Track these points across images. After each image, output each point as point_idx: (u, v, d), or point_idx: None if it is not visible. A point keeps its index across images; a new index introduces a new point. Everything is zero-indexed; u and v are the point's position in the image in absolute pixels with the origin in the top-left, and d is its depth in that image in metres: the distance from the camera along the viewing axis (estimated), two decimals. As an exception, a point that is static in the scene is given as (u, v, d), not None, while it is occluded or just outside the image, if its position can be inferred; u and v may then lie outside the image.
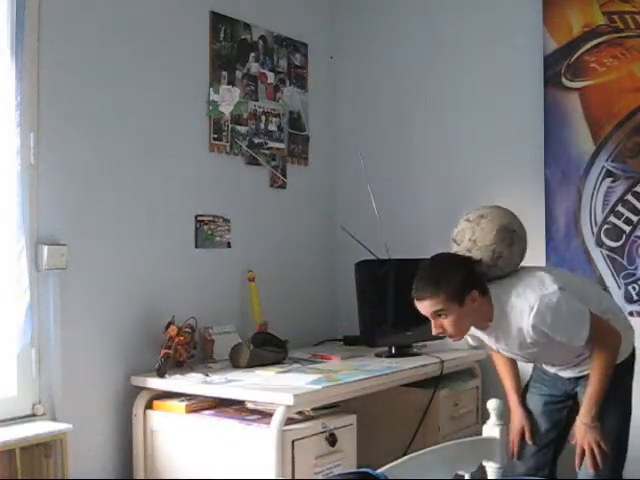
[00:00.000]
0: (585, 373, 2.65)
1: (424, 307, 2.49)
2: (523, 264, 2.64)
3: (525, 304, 2.46)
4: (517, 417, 2.81)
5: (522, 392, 2.85)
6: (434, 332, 2.53)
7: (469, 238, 2.57)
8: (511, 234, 2.56)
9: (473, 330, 2.62)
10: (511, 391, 2.84)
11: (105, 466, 2.98)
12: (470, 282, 2.49)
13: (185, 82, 3.35)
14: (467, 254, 2.56)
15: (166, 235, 3.25)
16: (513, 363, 2.84)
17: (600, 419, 2.57)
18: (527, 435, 2.77)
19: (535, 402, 2.82)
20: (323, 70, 4.10)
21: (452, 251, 2.62)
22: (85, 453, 2.85)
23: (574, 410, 2.69)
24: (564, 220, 3.49)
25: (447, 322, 2.49)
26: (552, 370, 2.78)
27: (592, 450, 2.55)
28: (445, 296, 2.45)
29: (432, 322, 2.52)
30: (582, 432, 2.58)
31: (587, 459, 2.57)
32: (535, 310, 2.43)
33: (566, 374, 2.74)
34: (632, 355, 2.71)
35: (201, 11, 3.43)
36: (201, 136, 3.42)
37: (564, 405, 2.76)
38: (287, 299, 3.78)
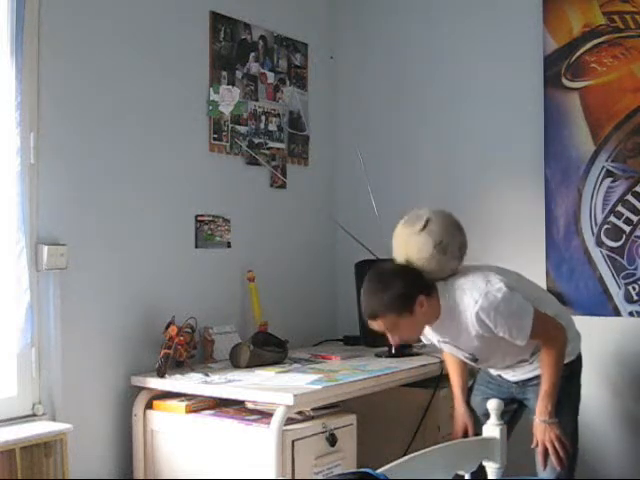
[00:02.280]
0: (530, 375, 2.69)
1: (378, 325, 2.56)
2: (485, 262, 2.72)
3: (470, 300, 2.51)
4: (460, 416, 2.88)
5: (467, 393, 2.89)
6: (393, 344, 2.65)
7: (404, 258, 2.62)
8: (442, 246, 2.58)
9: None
10: (457, 389, 2.90)
11: (105, 466, 2.98)
12: (414, 289, 2.54)
13: (185, 82, 3.35)
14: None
15: (166, 235, 3.25)
16: (462, 363, 2.88)
17: (557, 416, 2.60)
18: (470, 433, 2.82)
19: (478, 404, 2.85)
20: (323, 70, 4.10)
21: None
22: (85, 453, 2.85)
23: (518, 414, 2.73)
24: (564, 220, 3.49)
25: (403, 332, 2.57)
26: (495, 373, 2.80)
27: (554, 447, 2.59)
28: (394, 312, 2.51)
29: (389, 335, 2.58)
30: (542, 430, 2.61)
31: (552, 457, 2.60)
32: (479, 305, 2.49)
33: (510, 376, 2.77)
34: (578, 360, 2.75)
35: (201, 11, 3.43)
36: (201, 136, 3.42)
37: (507, 409, 2.70)
38: (287, 299, 3.78)
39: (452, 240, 2.61)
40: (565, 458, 2.60)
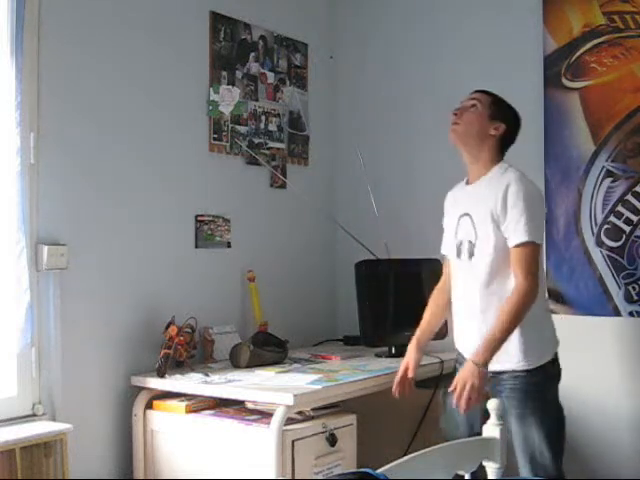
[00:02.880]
0: (502, 369, 2.65)
1: (475, 95, 2.83)
2: None
3: (513, 176, 2.70)
4: (408, 356, 2.91)
5: (444, 391, 2.87)
6: (453, 128, 2.82)
7: None
8: None
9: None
10: (418, 332, 2.94)
11: (105, 466, 2.98)
12: (508, 131, 2.79)
13: (185, 82, 3.35)
14: None
15: (166, 235, 3.25)
16: (438, 310, 2.94)
17: (536, 423, 2.59)
18: (410, 373, 2.85)
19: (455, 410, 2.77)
20: (323, 70, 4.10)
21: None
22: (85, 453, 2.85)
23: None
24: (564, 220, 3.49)
25: (468, 114, 2.78)
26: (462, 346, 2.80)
27: (466, 390, 2.56)
28: (491, 101, 2.80)
29: (457, 117, 2.81)
30: (468, 370, 2.59)
31: (456, 395, 2.59)
32: (516, 181, 2.67)
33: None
34: (553, 365, 2.70)
35: (201, 11, 3.43)
36: (201, 136, 3.42)
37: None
38: (287, 299, 3.78)
39: None
40: (465, 406, 2.57)
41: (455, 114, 2.81)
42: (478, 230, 2.73)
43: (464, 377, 2.60)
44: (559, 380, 2.74)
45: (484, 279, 2.71)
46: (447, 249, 2.92)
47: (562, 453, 2.70)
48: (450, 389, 2.65)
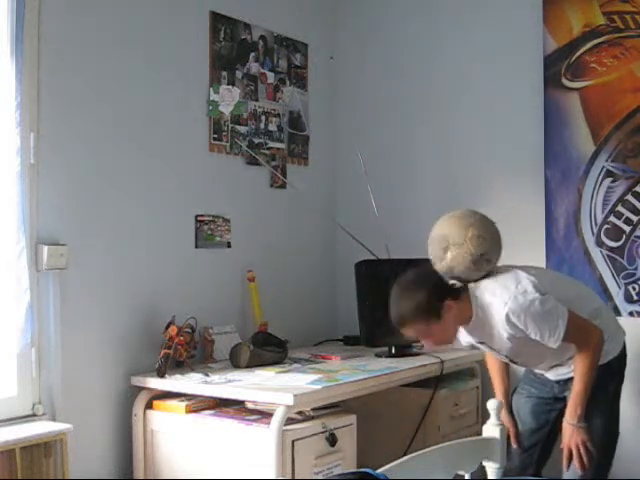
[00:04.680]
0: (571, 375, 2.66)
1: (408, 332, 2.58)
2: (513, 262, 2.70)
3: (500, 302, 2.51)
4: (503, 420, 2.82)
5: (511, 393, 2.89)
6: (427, 349, 2.71)
7: (441, 261, 2.61)
8: (485, 258, 2.59)
9: (459, 334, 2.67)
10: (499, 393, 2.90)
11: (105, 466, 2.98)
12: (440, 295, 2.54)
13: (185, 82, 3.35)
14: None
15: (166, 235, 3.25)
16: (504, 366, 2.89)
17: (587, 420, 2.58)
18: (512, 439, 2.81)
19: (523, 403, 2.85)
20: (323, 70, 4.10)
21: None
22: (85, 453, 2.85)
23: (563, 413, 2.69)
24: (564, 220, 3.49)
25: (434, 337, 2.58)
26: (538, 372, 2.80)
27: (579, 451, 2.58)
28: (422, 319, 2.52)
29: (422, 341, 2.62)
30: (569, 433, 2.60)
31: (574, 460, 2.59)
32: (508, 307, 2.49)
33: (552, 376, 2.76)
34: (618, 358, 2.72)
35: (201, 11, 3.43)
36: (201, 136, 3.42)
37: (552, 407, 2.78)
38: (287, 299, 3.78)
39: (495, 251, 2.62)
40: (588, 463, 2.58)
41: (423, 345, 2.73)
42: (496, 345, 2.66)
43: (569, 442, 2.59)
44: (623, 371, 2.74)
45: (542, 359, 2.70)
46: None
47: (609, 464, 2.70)
48: (560, 447, 2.64)
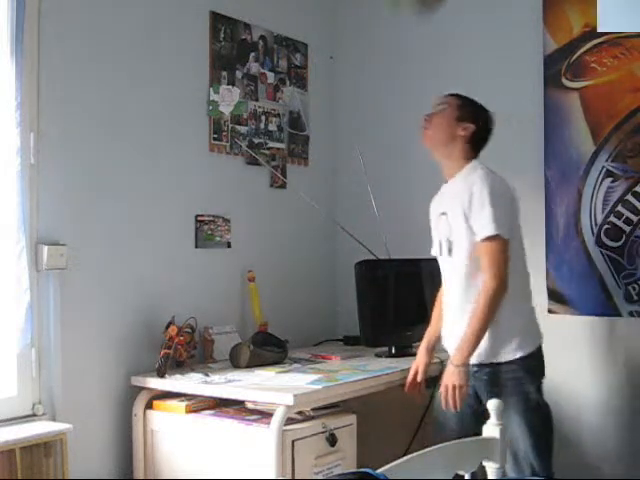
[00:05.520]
0: (477, 362, 2.71)
1: (437, 107, 2.87)
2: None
3: (479, 174, 2.74)
4: (418, 359, 2.98)
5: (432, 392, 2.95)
6: (425, 139, 2.88)
7: None
8: None
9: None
10: (426, 335, 3.00)
11: (105, 466, 2.98)
12: (477, 131, 2.82)
13: (185, 82, 3.35)
14: None
15: (166, 235, 3.25)
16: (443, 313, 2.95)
17: (521, 422, 2.63)
18: (419, 376, 2.92)
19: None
20: (323, 70, 4.10)
21: None
22: (85, 453, 2.84)
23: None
24: (564, 220, 3.49)
25: (435, 129, 2.84)
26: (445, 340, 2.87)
27: (454, 392, 2.66)
28: (459, 103, 2.85)
29: (423, 127, 2.87)
30: (449, 372, 2.69)
31: (448, 398, 2.68)
32: (481, 177, 2.71)
33: (453, 343, 2.78)
34: (533, 358, 2.72)
35: (201, 11, 3.43)
36: (201, 136, 3.42)
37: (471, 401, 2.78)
38: (287, 299, 3.77)
39: None
40: (454, 405, 2.67)
41: (426, 119, 2.88)
42: (453, 227, 2.78)
43: (447, 380, 2.70)
44: (541, 375, 2.75)
45: (463, 274, 2.76)
46: (434, 249, 2.97)
47: (549, 451, 2.71)
48: (439, 392, 2.74)
